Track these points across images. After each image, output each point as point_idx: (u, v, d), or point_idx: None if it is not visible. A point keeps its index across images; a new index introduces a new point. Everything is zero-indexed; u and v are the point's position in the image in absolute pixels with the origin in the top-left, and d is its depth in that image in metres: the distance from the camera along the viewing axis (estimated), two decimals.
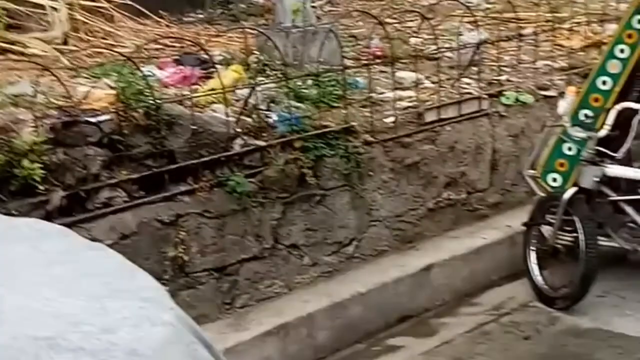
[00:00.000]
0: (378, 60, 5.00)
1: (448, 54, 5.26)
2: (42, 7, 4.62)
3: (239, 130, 3.97)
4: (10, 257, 1.53)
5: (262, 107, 4.16)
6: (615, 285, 4.57)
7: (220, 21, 5.95)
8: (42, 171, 3.27)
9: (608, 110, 4.45)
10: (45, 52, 4.42)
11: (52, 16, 4.59)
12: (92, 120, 3.50)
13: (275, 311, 3.93)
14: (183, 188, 3.76)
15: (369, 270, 4.34)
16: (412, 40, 5.58)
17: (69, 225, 2.96)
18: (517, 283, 4.66)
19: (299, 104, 4.31)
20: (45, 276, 1.47)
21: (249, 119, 4.08)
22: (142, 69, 3.86)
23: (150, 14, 5.39)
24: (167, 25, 5.46)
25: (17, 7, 4.58)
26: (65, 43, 4.62)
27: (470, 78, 5.12)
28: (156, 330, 1.31)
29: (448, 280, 4.51)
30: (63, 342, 1.20)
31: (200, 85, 4.26)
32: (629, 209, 4.46)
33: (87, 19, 4.80)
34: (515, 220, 4.79)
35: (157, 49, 4.71)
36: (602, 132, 4.39)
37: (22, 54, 4.35)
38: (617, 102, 4.50)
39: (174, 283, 3.66)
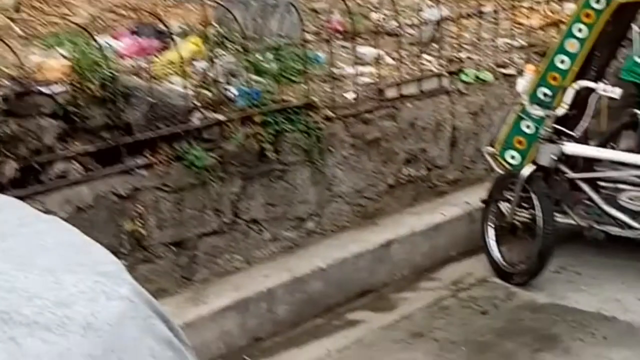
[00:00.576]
0: (339, 35, 4.97)
1: (409, 30, 5.25)
2: None
3: (197, 103, 3.91)
4: None
5: (222, 80, 4.10)
6: (570, 262, 4.65)
7: None
8: None
9: (566, 89, 4.49)
10: None
11: None
12: (46, 91, 3.41)
13: (235, 286, 3.90)
14: (140, 161, 3.69)
15: (329, 245, 4.34)
16: (373, 15, 5.55)
17: (22, 198, 2.88)
18: (475, 259, 4.71)
19: (259, 78, 4.26)
20: None
21: (208, 93, 4.02)
22: (97, 39, 3.76)
23: None
24: None
25: None
26: (17, 11, 4.49)
27: (431, 55, 5.12)
28: (113, 304, 1.28)
29: (408, 256, 4.53)
30: (17, 317, 1.16)
31: (157, 56, 4.17)
32: (585, 187, 4.53)
33: None
34: (474, 197, 4.83)
35: (113, 19, 4.60)
36: (560, 111, 4.43)
37: None
38: (575, 81, 4.54)
39: (132, 257, 3.61)
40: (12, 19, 4.34)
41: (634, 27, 5.47)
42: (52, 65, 3.57)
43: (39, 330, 1.12)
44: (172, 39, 3.83)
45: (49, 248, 1.48)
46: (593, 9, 4.50)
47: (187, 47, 4.15)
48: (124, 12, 4.71)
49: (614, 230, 4.46)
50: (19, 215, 1.72)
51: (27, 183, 3.37)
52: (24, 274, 1.29)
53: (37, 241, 1.51)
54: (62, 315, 1.18)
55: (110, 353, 0.87)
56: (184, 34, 4.41)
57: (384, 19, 5.09)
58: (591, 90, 4.42)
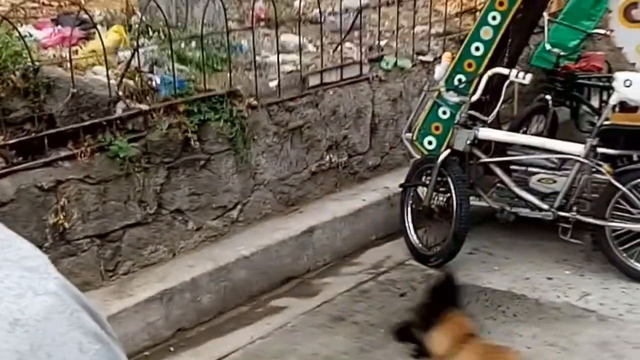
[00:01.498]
0: (262, 23, 5.01)
1: (330, 18, 5.33)
2: None
3: (120, 93, 3.90)
4: None
5: (145, 69, 4.10)
6: (484, 243, 4.87)
7: None
8: None
9: (480, 76, 4.66)
10: None
11: None
12: None
13: (159, 277, 3.93)
14: (63, 153, 3.67)
15: (253, 233, 4.41)
16: (295, 3, 5.60)
17: None
18: (394, 242, 4.88)
19: (182, 67, 4.27)
20: None
21: (131, 82, 4.01)
22: (19, 29, 3.70)
23: None
24: None
25: None
26: None
27: (352, 43, 5.21)
28: (40, 299, 1.33)
29: (329, 242, 4.65)
30: None
31: (80, 46, 4.13)
32: (497, 171, 4.72)
33: None
34: (393, 182, 4.98)
35: (33, 8, 4.52)
36: (475, 97, 4.59)
37: None
38: (488, 68, 4.70)
39: (55, 251, 3.60)
40: None
41: (545, 15, 5.70)
42: None
43: None
44: (95, 28, 3.79)
45: None
46: None
47: (110, 36, 4.12)
48: (44, 1, 4.64)
49: (525, 212, 4.67)
50: None
51: None
52: None
53: None
54: None
55: (38, 348, 0.92)
56: (106, 23, 4.38)
57: (306, 6, 5.15)
58: (504, 77, 4.58)
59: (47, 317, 1.29)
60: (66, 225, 3.63)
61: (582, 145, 4.46)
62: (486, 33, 4.76)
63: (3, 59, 3.49)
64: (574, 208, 4.50)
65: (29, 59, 3.55)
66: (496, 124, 4.92)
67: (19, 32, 3.58)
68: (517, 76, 4.48)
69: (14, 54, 3.53)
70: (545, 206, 4.57)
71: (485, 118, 4.64)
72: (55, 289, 1.46)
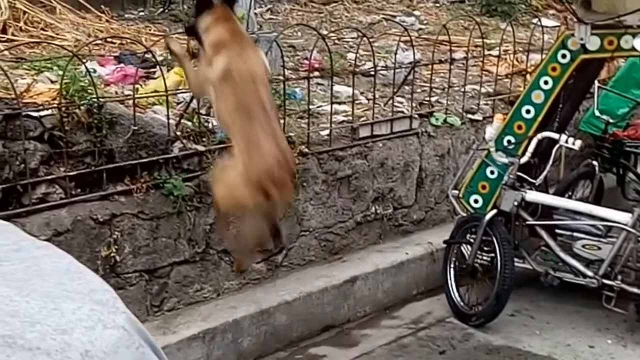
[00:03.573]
0: (317, 73, 5.10)
1: (383, 71, 5.41)
2: None
3: (178, 133, 3.99)
4: None
5: (202, 111, 4.19)
6: (525, 305, 4.82)
7: (161, 20, 5.92)
8: None
9: (530, 138, 4.68)
10: None
11: None
12: (34, 114, 3.46)
13: (203, 316, 3.96)
14: (120, 188, 3.75)
15: (296, 279, 4.42)
16: (349, 55, 5.70)
17: (3, 219, 2.93)
18: (435, 298, 4.85)
19: None
20: None
21: (189, 123, 4.11)
22: (86, 65, 3.82)
23: (92, 8, 5.31)
24: (108, 21, 5.39)
25: None
26: (4, 31, 4.51)
27: (403, 97, 5.28)
28: (108, 332, 1.37)
29: (371, 293, 4.64)
30: (20, 341, 1.23)
31: (140, 84, 4.25)
32: (543, 234, 4.70)
33: (28, 8, 4.70)
34: (437, 238, 4.98)
35: (96, 44, 4.66)
36: (524, 159, 4.61)
37: None
38: (538, 131, 4.73)
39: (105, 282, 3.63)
40: None
41: (596, 82, 5.73)
42: (40, 88, 3.62)
43: (41, 355, 1.20)
44: (159, 68, 3.89)
45: (46, 274, 1.56)
46: (559, 63, 4.70)
47: (171, 77, 4.23)
48: (107, 38, 4.78)
49: (569, 277, 4.62)
50: (14, 240, 1.79)
51: (9, 205, 3.41)
52: (25, 299, 1.37)
53: (34, 267, 1.59)
54: (62, 341, 1.26)
55: None
56: (166, 63, 4.50)
57: (359, 58, 5.23)
58: (553, 141, 4.60)
59: (114, 350, 1.33)
60: (117, 258, 3.69)
61: (629, 214, 4.43)
62: (537, 97, 4.80)
63: (70, 93, 3.59)
64: (619, 277, 4.45)
65: (94, 95, 3.66)
66: (543, 187, 4.92)
67: (87, 69, 3.69)
68: (566, 141, 4.49)
69: (80, 90, 3.63)
70: (589, 273, 4.53)
71: (533, 181, 4.65)
72: (123, 323, 1.50)
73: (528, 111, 4.82)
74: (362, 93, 5.26)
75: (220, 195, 3.24)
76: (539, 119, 4.80)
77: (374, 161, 4.86)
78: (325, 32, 5.88)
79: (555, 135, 4.58)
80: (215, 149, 4.07)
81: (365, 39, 4.92)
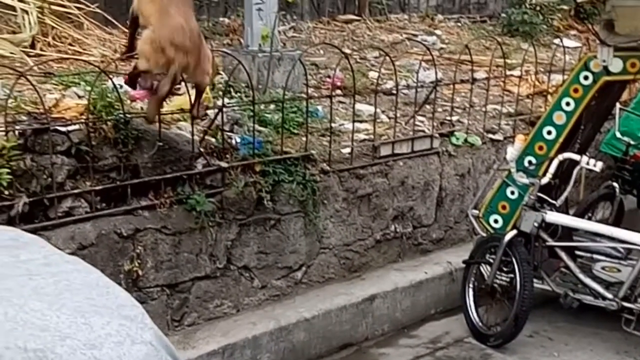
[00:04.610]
0: (339, 91, 5.13)
1: (404, 90, 5.44)
2: (12, 8, 4.58)
3: (202, 149, 4.03)
4: None
5: (226, 128, 4.23)
6: (544, 327, 4.81)
7: None
8: (8, 176, 3.27)
9: (551, 159, 4.68)
10: (13, 53, 4.39)
11: (21, 18, 4.55)
12: (62, 129, 3.52)
13: (223, 331, 3.98)
14: (144, 203, 3.79)
15: (315, 296, 4.44)
16: (371, 73, 5.74)
17: (30, 232, 2.97)
18: (453, 318, 4.85)
19: (261, 128, 4.40)
20: (28, 287, 1.52)
21: (213, 139, 4.15)
22: (114, 81, 3.88)
23: (118, 24, 5.39)
24: None
25: None
26: (32, 46, 4.59)
27: (424, 116, 5.30)
28: (137, 348, 1.40)
29: (389, 312, 4.65)
30: (51, 355, 1.26)
31: (166, 101, 4.28)
32: (563, 255, 4.69)
33: (56, 23, 4.78)
34: (456, 257, 4.98)
35: (121, 60, 4.72)
36: (545, 180, 4.61)
37: None
38: (559, 152, 4.73)
39: None
40: (27, 54, 4.44)
41: (618, 104, 5.72)
42: (68, 103, 3.68)
43: None
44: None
45: (76, 289, 1.59)
46: (581, 84, 4.71)
47: None
48: (134, 55, 4.82)
49: (588, 299, 4.61)
50: (44, 254, 1.83)
51: (35, 218, 3.46)
52: (56, 313, 1.40)
53: (64, 281, 1.62)
54: (92, 356, 1.30)
55: None
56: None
57: (381, 77, 5.26)
58: (574, 162, 4.60)
59: None
60: (140, 272, 3.73)
61: None
62: (559, 118, 4.80)
63: (98, 109, 3.65)
64: (639, 299, 4.43)
65: (121, 111, 3.71)
66: (564, 208, 4.92)
67: (115, 85, 3.75)
68: (588, 163, 4.49)
69: (107, 105, 3.69)
70: (609, 295, 4.52)
71: (554, 202, 4.65)
72: (151, 339, 1.53)
73: (549, 132, 4.82)
74: (383, 111, 5.29)
75: (138, 55, 3.68)
76: (560, 140, 4.80)
77: (395, 180, 4.88)
78: (347, 51, 5.93)
79: (576, 157, 4.58)
80: (238, 165, 4.11)
81: (387, 57, 4.95)
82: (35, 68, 4.13)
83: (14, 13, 4.66)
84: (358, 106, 5.04)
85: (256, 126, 4.25)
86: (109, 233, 3.65)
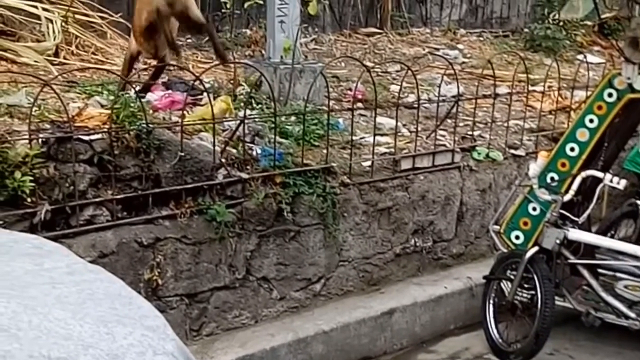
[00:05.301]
0: (360, 104, 5.13)
1: (426, 104, 5.43)
2: (37, 17, 4.63)
3: (223, 160, 4.04)
4: (16, 273, 1.59)
5: (247, 139, 4.24)
6: (565, 345, 4.75)
7: (207, 47, 6.02)
8: (31, 184, 3.29)
9: (574, 176, 4.64)
10: (37, 62, 4.43)
11: (46, 27, 4.60)
12: (85, 138, 3.54)
13: (241, 342, 3.97)
14: (165, 212, 3.80)
15: (333, 309, 4.42)
16: (392, 87, 5.73)
17: (51, 240, 2.99)
18: (473, 334, 4.80)
19: (282, 140, 4.40)
20: (52, 296, 1.52)
21: (234, 150, 4.16)
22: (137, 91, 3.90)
23: None
24: None
25: (13, 15, 4.58)
26: (56, 55, 4.63)
27: (446, 130, 5.28)
28: (159, 358, 1.39)
29: (408, 326, 4.62)
30: None
31: (188, 111, 4.31)
32: (585, 273, 4.64)
33: (79, 32, 4.83)
34: (476, 273, 4.94)
35: (143, 70, 4.75)
36: (567, 197, 4.56)
37: (14, 62, 4.35)
38: (582, 169, 4.69)
39: None
40: (51, 62, 4.48)
41: None
42: (91, 112, 3.71)
43: None
44: (207, 95, 3.96)
45: (99, 298, 1.59)
46: (605, 101, 4.67)
47: (218, 105, 4.29)
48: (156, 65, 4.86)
49: (610, 318, 4.55)
50: (67, 263, 1.83)
51: (57, 225, 3.47)
52: (79, 322, 1.40)
53: (87, 290, 1.62)
54: None
55: None
56: (213, 91, 4.57)
57: (402, 91, 5.26)
58: (598, 180, 4.56)
59: None
60: (159, 281, 3.74)
61: None
62: (582, 135, 4.76)
63: (121, 119, 3.67)
64: None
65: (143, 120, 3.73)
66: (586, 226, 4.86)
67: (137, 95, 3.77)
68: (611, 180, 4.45)
69: (130, 115, 3.71)
70: (632, 314, 4.46)
71: (576, 219, 4.60)
72: (173, 350, 1.52)
73: (572, 149, 4.78)
74: (404, 125, 5.28)
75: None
76: (583, 157, 4.75)
77: (415, 193, 4.86)
78: (369, 64, 5.93)
79: (599, 174, 4.54)
80: (258, 176, 4.11)
81: (408, 71, 4.94)
82: (58, 76, 4.16)
83: (38, 22, 4.70)
84: (379, 119, 5.04)
85: (277, 138, 4.25)
86: (129, 242, 3.66)
